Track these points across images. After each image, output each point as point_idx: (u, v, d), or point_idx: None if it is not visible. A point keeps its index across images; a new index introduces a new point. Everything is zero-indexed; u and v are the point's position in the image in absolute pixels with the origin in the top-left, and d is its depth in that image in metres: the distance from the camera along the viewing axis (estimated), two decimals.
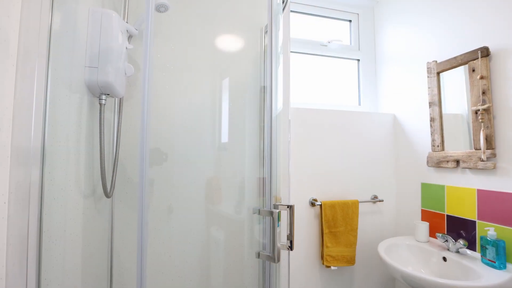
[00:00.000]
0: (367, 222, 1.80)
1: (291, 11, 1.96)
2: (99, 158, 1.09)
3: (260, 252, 0.87)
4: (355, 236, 1.69)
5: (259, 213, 0.89)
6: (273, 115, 1.03)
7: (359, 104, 2.09)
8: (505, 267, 1.20)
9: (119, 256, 1.37)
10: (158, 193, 1.42)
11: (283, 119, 1.25)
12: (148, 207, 1.41)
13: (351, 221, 1.69)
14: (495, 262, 1.21)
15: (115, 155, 1.29)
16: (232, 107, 1.57)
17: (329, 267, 1.65)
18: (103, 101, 1.06)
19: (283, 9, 1.34)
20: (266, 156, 0.96)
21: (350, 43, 2.11)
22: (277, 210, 0.84)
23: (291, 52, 1.74)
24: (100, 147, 1.05)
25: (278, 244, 0.82)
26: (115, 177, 1.28)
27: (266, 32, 1.63)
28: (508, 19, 1.25)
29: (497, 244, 1.21)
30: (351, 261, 1.67)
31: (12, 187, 0.62)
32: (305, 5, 1.99)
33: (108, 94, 1.07)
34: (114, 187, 1.26)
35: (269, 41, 1.05)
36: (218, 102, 1.56)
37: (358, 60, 2.10)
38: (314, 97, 1.99)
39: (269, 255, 0.83)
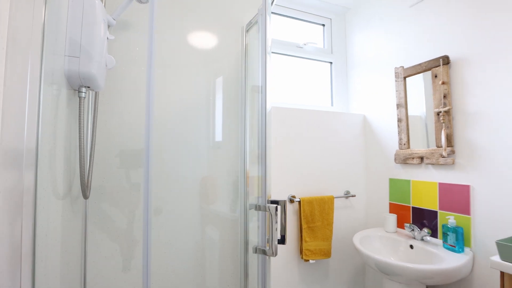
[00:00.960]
0: (341, 216, 1.91)
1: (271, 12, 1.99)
2: (77, 156, 1.00)
3: (257, 247, 0.88)
4: (331, 230, 1.78)
5: (256, 209, 0.89)
6: (266, 114, 1.04)
7: (332, 104, 2.19)
8: (463, 250, 1.36)
9: (93, 262, 1.28)
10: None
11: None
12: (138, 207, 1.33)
13: (327, 216, 1.77)
14: (455, 247, 1.37)
15: (91, 154, 1.20)
16: (211, 105, 1.55)
17: (308, 260, 1.71)
18: (83, 94, 0.98)
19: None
20: (260, 155, 0.97)
21: (324, 46, 2.21)
22: (274, 205, 0.86)
23: (268, 53, 1.77)
24: (80, 144, 0.98)
25: (277, 239, 0.83)
26: (91, 178, 1.19)
27: (247, 30, 1.64)
28: (464, 32, 1.41)
29: (457, 231, 1.37)
30: (327, 254, 1.75)
31: None
32: (282, 7, 2.03)
33: (89, 87, 1.00)
34: (90, 188, 1.17)
35: (262, 40, 1.06)
36: (198, 100, 1.53)
37: (331, 62, 2.21)
38: (291, 96, 2.05)
39: (265, 249, 0.84)
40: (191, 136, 1.48)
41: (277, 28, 2.05)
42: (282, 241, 0.97)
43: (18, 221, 0.60)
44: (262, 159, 0.94)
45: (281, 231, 0.96)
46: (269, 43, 1.15)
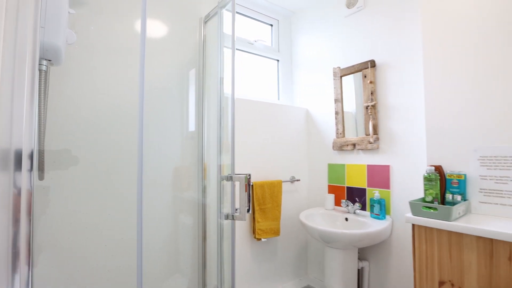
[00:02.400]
0: (287, 198, 2.11)
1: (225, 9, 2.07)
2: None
3: (229, 214, 0.97)
4: (280, 211, 1.96)
5: (227, 179, 0.99)
6: (231, 104, 1.14)
7: (278, 98, 2.40)
8: (385, 217, 1.68)
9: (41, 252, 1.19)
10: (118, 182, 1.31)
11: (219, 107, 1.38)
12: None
13: (276, 198, 1.96)
14: (379, 215, 1.68)
15: (41, 136, 1.12)
16: (169, 95, 1.58)
17: (260, 239, 1.86)
18: (44, 67, 0.93)
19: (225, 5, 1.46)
20: (231, 143, 1.06)
21: (272, 45, 2.40)
22: (244, 174, 0.97)
23: (224, 46, 1.86)
24: (40, 121, 0.92)
25: (247, 203, 0.95)
26: (44, 160, 1.11)
27: (206, 22, 1.70)
28: (385, 41, 1.74)
29: (380, 203, 1.69)
30: (277, 232, 1.93)
31: None
32: (236, 4, 2.14)
33: (50, 60, 0.95)
34: (44, 171, 1.10)
35: (232, 34, 1.15)
36: (156, 90, 1.53)
37: (278, 60, 2.41)
38: (242, 89, 2.17)
39: (238, 215, 0.95)
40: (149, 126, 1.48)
41: (229, 23, 2.14)
42: (248, 209, 1.09)
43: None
44: (231, 146, 1.04)
45: (246, 203, 1.08)
46: (233, 36, 1.25)
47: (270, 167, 2.02)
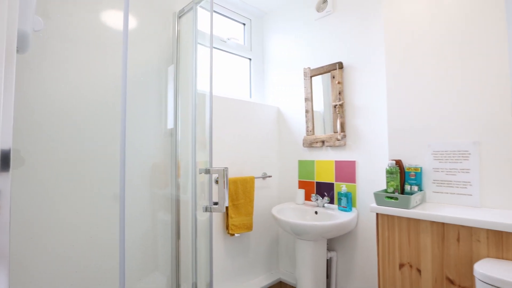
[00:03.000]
0: (259, 194, 2.16)
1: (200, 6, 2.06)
2: None
3: (207, 206, 0.99)
4: (252, 207, 2.00)
5: (206, 172, 1.00)
6: (208, 101, 1.15)
7: (250, 96, 2.44)
8: (351, 209, 1.80)
9: None
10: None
11: (193, 103, 1.39)
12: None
13: (249, 194, 1.99)
14: (346, 208, 1.79)
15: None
16: (137, 90, 1.54)
17: (233, 235, 1.88)
18: None
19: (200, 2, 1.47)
20: (207, 141, 1.07)
21: (244, 43, 2.43)
22: (222, 168, 0.99)
23: (199, 43, 1.85)
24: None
25: (226, 196, 0.97)
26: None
27: (180, 17, 1.68)
28: (351, 45, 1.86)
29: (347, 196, 1.80)
30: (250, 227, 1.97)
31: None
32: (208, 1, 2.14)
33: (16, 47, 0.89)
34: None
35: (211, 33, 1.16)
36: (129, 84, 1.49)
37: (250, 59, 2.45)
38: (216, 86, 2.18)
39: (216, 207, 0.97)
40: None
41: (203, 20, 2.14)
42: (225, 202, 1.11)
43: None
44: (209, 144, 1.06)
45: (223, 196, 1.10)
46: (211, 35, 1.26)
47: (243, 163, 2.05)
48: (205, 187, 1.20)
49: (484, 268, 0.99)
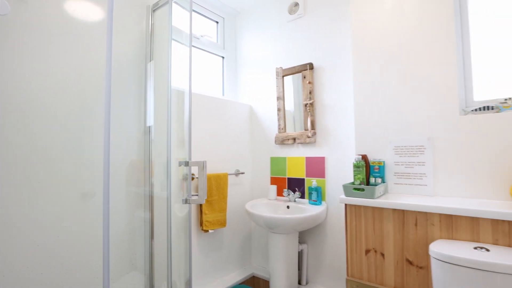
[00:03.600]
0: (232, 191, 2.18)
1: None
2: None
3: (187, 199, 0.99)
4: (226, 203, 2.02)
5: (185, 165, 1.01)
6: (188, 98, 1.15)
7: (223, 94, 2.45)
8: (321, 203, 1.89)
9: None
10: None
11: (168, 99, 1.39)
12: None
13: (222, 191, 2.01)
14: (316, 201, 1.89)
15: None
16: (114, 84, 1.49)
17: (207, 231, 1.89)
18: None
19: None
20: (186, 136, 1.08)
21: (217, 41, 2.44)
22: (202, 161, 1.01)
23: (173, 39, 1.83)
24: None
25: (205, 186, 0.99)
26: None
27: (154, 10, 1.66)
28: (321, 47, 1.97)
29: (317, 190, 1.89)
30: (223, 223, 1.98)
31: None
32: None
33: None
34: None
35: (190, 31, 1.16)
36: (96, 78, 1.44)
37: (223, 57, 2.46)
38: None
39: (196, 198, 0.98)
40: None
41: (178, 16, 2.12)
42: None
43: None
44: (188, 140, 1.07)
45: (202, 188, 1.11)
46: (191, 33, 1.26)
47: (216, 160, 2.06)
48: (183, 181, 1.20)
49: (437, 247, 1.12)
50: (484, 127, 1.30)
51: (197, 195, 1.01)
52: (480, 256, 1.01)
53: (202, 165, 0.99)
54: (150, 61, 1.58)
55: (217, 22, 2.45)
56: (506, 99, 1.30)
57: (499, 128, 1.26)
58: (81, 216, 1.29)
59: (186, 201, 0.98)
